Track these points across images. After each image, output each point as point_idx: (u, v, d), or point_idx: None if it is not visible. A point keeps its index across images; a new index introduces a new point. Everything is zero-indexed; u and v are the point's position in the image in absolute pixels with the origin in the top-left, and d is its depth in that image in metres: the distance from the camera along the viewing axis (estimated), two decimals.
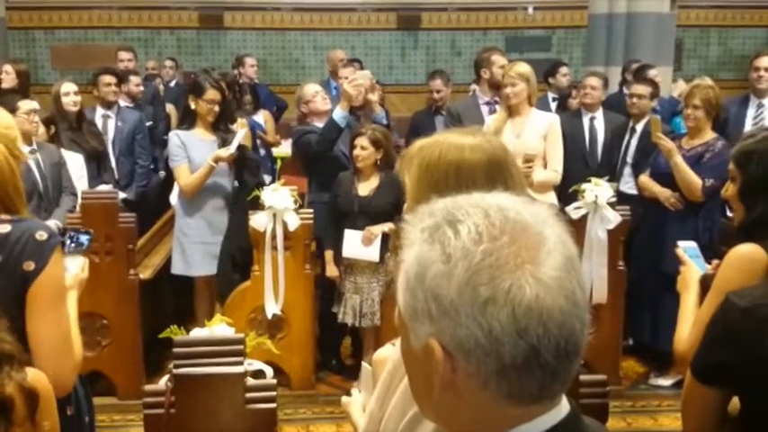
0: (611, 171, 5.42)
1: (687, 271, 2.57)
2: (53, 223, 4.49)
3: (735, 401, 2.02)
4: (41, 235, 2.04)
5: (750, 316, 1.87)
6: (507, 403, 0.93)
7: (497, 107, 5.03)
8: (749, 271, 2.20)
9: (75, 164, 5.10)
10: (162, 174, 6.57)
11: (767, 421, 1.91)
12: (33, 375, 1.71)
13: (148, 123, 6.67)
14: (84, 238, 2.46)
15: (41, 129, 4.89)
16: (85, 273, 2.44)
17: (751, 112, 5.68)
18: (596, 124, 5.92)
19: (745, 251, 2.25)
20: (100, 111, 6.13)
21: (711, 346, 1.98)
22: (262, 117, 7.34)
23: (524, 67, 4.69)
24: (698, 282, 2.50)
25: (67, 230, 2.55)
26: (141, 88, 7.15)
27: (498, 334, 0.89)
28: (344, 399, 1.91)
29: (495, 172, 1.62)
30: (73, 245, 2.43)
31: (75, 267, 2.39)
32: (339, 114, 4.88)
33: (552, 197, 4.65)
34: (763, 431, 1.94)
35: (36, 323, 2.02)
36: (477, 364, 0.90)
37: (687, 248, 2.63)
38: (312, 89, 5.40)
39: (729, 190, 2.43)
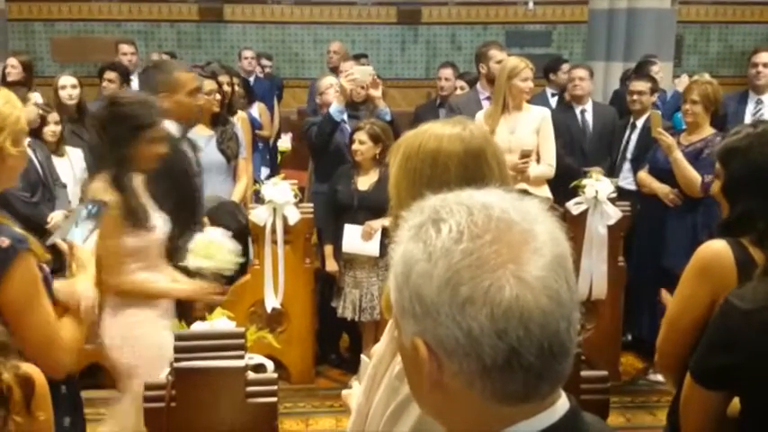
0: (610, 167, 5.43)
1: None
2: (60, 213, 4.51)
3: (734, 403, 2.03)
4: (3, 241, 2.02)
5: (753, 319, 1.86)
6: (494, 403, 0.92)
7: (488, 102, 5.03)
8: (713, 268, 2.22)
9: (78, 158, 5.13)
10: None
11: None
12: (27, 367, 1.72)
13: None
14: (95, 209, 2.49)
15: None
16: (88, 244, 2.42)
17: (750, 108, 5.68)
18: (587, 117, 5.94)
19: (713, 249, 2.26)
20: None
21: (713, 350, 1.97)
22: (256, 110, 7.31)
23: (530, 63, 4.71)
24: None
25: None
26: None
27: (477, 335, 0.88)
28: (344, 392, 1.92)
29: (471, 162, 1.60)
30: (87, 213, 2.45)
31: (80, 239, 2.39)
32: (335, 108, 4.95)
33: (546, 191, 4.66)
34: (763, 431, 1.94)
35: (16, 327, 2.02)
36: (459, 364, 0.90)
37: None
38: (327, 81, 5.48)
39: (715, 186, 2.42)
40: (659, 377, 4.86)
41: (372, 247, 4.54)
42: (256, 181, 5.19)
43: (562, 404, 0.97)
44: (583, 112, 5.96)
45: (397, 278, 0.95)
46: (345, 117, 5.04)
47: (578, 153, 5.67)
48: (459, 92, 6.07)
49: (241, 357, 2.47)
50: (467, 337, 0.88)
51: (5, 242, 2.02)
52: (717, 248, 2.24)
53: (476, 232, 0.90)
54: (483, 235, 0.90)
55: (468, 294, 0.88)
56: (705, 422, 2.04)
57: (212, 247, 3.20)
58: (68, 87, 5.46)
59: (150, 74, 4.67)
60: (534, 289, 0.89)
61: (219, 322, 2.84)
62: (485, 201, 0.95)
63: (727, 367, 1.93)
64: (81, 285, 2.31)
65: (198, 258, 3.16)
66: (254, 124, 7.06)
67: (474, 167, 1.60)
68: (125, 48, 7.73)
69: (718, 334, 1.96)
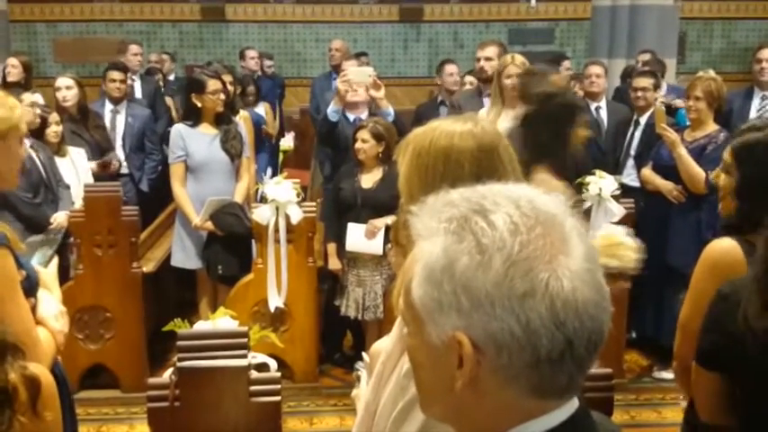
0: (614, 163, 5.42)
1: None
2: (63, 215, 4.53)
3: None
4: None
5: (727, 300, 1.94)
6: (532, 397, 0.92)
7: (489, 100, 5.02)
8: (722, 267, 2.19)
9: (80, 158, 5.13)
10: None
11: (755, 402, 1.95)
12: (35, 368, 1.72)
13: None
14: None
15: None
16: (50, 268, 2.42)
17: (755, 104, 5.67)
18: (601, 113, 5.92)
19: (721, 247, 2.24)
20: (109, 105, 6.10)
21: (704, 333, 2.05)
22: (263, 109, 7.34)
23: (523, 59, 4.69)
24: None
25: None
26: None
27: (536, 327, 0.87)
28: (355, 392, 1.93)
29: (484, 158, 1.61)
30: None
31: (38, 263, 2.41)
32: (331, 109, 4.96)
33: None
34: (755, 412, 1.97)
35: None
36: (509, 358, 0.89)
37: None
38: None
39: (722, 180, 2.35)
40: (663, 374, 4.86)
41: (376, 246, 4.53)
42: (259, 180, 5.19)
43: (574, 402, 0.97)
44: (597, 108, 5.95)
45: (433, 272, 0.91)
46: (364, 116, 5.03)
47: (594, 150, 5.67)
48: (468, 87, 6.12)
49: (244, 357, 2.47)
50: (524, 329, 0.87)
51: None
52: (725, 246, 2.22)
53: (529, 224, 0.90)
54: (535, 227, 0.90)
55: (527, 287, 0.87)
56: (712, 400, 2.09)
57: (616, 246, 3.30)
58: (63, 89, 5.48)
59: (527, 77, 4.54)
60: (585, 281, 0.90)
61: (223, 322, 2.85)
62: (521, 193, 0.94)
63: (712, 348, 2.00)
64: (50, 305, 2.26)
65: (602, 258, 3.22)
66: (261, 122, 7.07)
67: (487, 163, 1.60)
68: (135, 48, 7.86)
69: (706, 318, 2.04)
